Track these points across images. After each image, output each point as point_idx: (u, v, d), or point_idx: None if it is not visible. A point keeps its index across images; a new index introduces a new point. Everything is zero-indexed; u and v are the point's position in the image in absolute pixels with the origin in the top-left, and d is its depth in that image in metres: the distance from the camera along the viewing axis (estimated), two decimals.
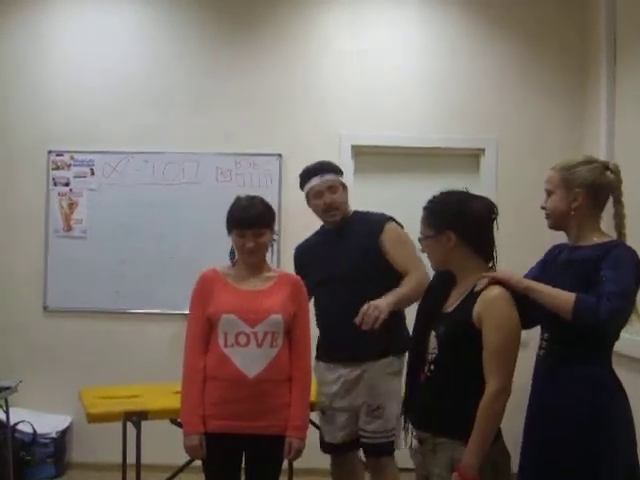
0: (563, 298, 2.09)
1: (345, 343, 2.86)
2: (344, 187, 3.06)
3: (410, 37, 4.69)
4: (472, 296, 2.07)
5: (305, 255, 3.13)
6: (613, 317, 2.02)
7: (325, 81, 4.68)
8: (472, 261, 2.13)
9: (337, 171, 3.07)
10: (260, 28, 4.69)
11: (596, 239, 2.21)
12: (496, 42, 4.67)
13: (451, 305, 2.15)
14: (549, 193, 2.29)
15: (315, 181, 2.99)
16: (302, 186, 3.08)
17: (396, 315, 2.83)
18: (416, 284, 2.76)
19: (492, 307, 2.02)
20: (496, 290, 2.04)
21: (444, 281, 2.21)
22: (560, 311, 2.09)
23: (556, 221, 2.29)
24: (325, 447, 3.05)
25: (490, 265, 2.17)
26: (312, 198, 3.02)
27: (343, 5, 4.69)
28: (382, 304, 2.63)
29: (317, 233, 3.18)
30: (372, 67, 4.67)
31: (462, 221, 2.10)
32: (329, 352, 2.99)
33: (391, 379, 2.91)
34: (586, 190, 2.21)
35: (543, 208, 2.32)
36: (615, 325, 2.09)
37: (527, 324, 2.21)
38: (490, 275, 2.08)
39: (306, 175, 3.05)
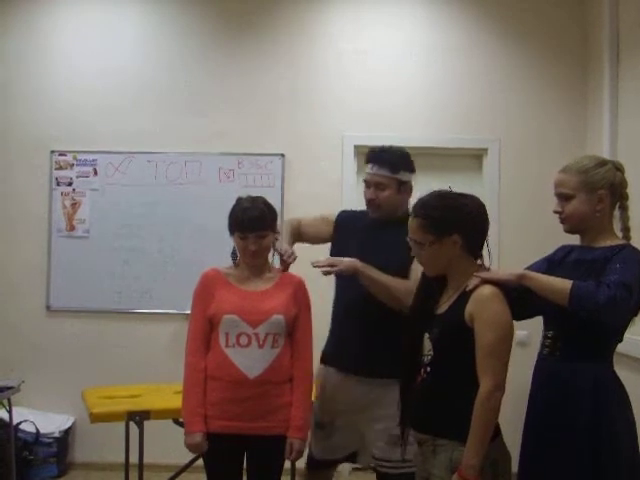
0: (560, 284, 2.08)
1: (365, 352, 2.63)
2: (400, 187, 2.71)
3: (412, 37, 4.69)
4: (464, 296, 2.06)
5: (346, 228, 2.85)
6: (611, 303, 1.99)
7: (328, 81, 4.68)
8: (466, 261, 2.12)
9: (397, 168, 2.70)
10: (263, 28, 4.69)
11: (609, 242, 2.21)
12: (498, 42, 4.67)
13: (443, 306, 2.14)
14: (566, 197, 2.25)
15: (368, 169, 2.75)
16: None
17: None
18: (404, 288, 2.52)
19: (484, 306, 2.01)
20: (488, 289, 2.03)
21: (434, 282, 2.20)
22: (557, 297, 2.07)
23: (575, 225, 2.27)
24: (315, 463, 2.81)
25: (479, 263, 2.15)
26: (364, 183, 2.80)
27: (346, 5, 4.70)
28: (353, 262, 2.53)
29: (364, 213, 2.86)
30: (374, 67, 4.67)
31: (468, 223, 2.09)
32: (344, 358, 2.71)
33: None
34: (609, 191, 2.21)
35: (557, 212, 2.29)
36: (614, 314, 2.04)
37: (518, 315, 2.20)
38: (480, 275, 2.07)
39: (367, 157, 2.78)
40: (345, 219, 2.92)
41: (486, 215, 2.15)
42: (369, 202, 2.76)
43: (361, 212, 2.91)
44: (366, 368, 2.63)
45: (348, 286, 2.67)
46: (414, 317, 2.23)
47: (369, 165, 2.74)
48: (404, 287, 2.52)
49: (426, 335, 2.15)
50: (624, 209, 2.27)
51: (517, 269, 2.16)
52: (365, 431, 2.69)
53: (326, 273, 2.59)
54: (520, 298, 2.13)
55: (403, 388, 2.24)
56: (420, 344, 2.16)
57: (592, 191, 2.21)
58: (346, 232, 2.83)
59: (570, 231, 2.30)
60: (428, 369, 2.12)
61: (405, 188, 2.74)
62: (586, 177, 2.22)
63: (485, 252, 2.20)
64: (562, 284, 2.07)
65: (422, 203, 2.13)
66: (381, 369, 2.59)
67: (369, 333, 2.63)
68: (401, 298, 2.49)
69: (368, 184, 2.74)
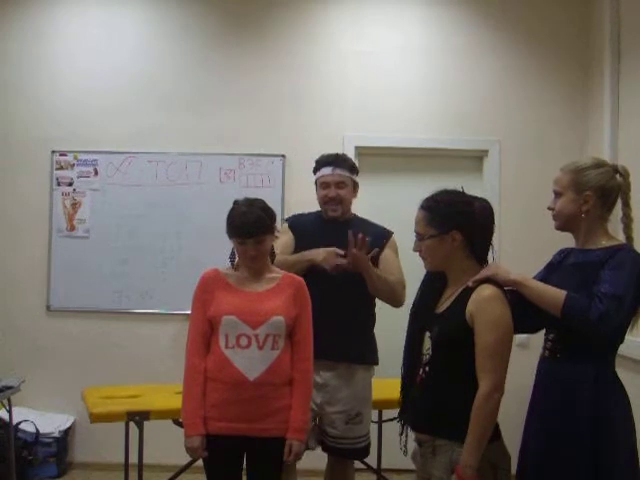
0: (552, 295, 2.09)
1: (332, 339, 2.82)
2: (354, 186, 3.10)
3: (413, 38, 4.69)
4: (464, 296, 2.07)
5: (301, 232, 3.07)
6: (603, 319, 2.00)
7: (329, 82, 4.68)
8: (468, 262, 2.13)
9: (352, 169, 3.10)
10: (264, 29, 4.70)
11: (604, 242, 2.20)
12: (499, 43, 4.67)
13: (443, 305, 2.15)
14: (558, 194, 2.28)
15: (326, 171, 3.04)
16: (315, 172, 3.12)
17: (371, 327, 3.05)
18: (395, 282, 2.92)
19: (484, 306, 2.01)
20: (489, 290, 2.04)
21: (436, 281, 2.20)
22: (549, 307, 2.08)
23: (564, 223, 2.28)
24: None
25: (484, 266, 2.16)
26: (319, 187, 3.07)
27: (346, 6, 4.70)
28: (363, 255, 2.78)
29: (314, 217, 3.15)
30: (375, 68, 4.67)
31: (470, 222, 2.10)
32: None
33: (369, 386, 3.03)
34: (596, 193, 2.20)
35: (551, 209, 2.31)
36: (607, 327, 2.04)
37: (529, 328, 2.21)
38: (478, 277, 2.08)
39: (320, 163, 3.09)
40: (298, 222, 3.15)
41: (491, 220, 2.16)
42: (331, 200, 3.02)
43: (309, 214, 3.17)
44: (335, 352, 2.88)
45: (321, 280, 2.83)
46: (415, 315, 2.23)
47: (323, 169, 3.04)
48: (399, 281, 2.93)
49: (427, 334, 2.15)
50: (625, 216, 2.24)
51: (518, 272, 2.16)
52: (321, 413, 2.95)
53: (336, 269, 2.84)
54: (522, 310, 2.12)
55: (403, 387, 2.24)
56: (421, 342, 2.16)
57: (579, 191, 2.21)
58: (304, 234, 3.05)
59: (559, 229, 2.32)
60: (427, 368, 2.12)
61: (356, 190, 3.11)
62: (576, 177, 2.22)
63: (489, 256, 2.20)
64: (555, 294, 2.08)
65: (429, 197, 2.17)
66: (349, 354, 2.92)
67: (339, 318, 2.85)
68: (399, 292, 2.91)
69: (326, 185, 3.02)
